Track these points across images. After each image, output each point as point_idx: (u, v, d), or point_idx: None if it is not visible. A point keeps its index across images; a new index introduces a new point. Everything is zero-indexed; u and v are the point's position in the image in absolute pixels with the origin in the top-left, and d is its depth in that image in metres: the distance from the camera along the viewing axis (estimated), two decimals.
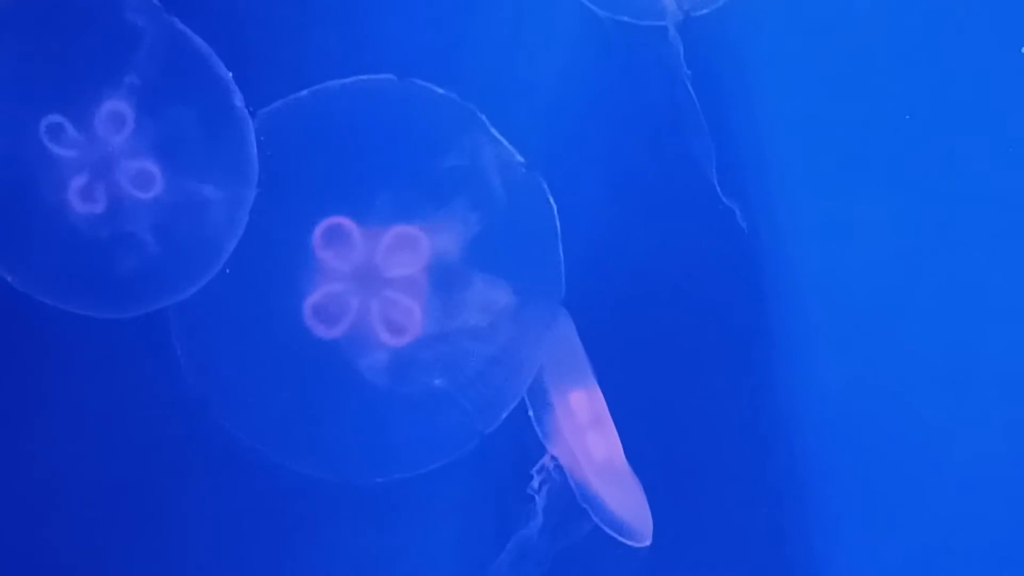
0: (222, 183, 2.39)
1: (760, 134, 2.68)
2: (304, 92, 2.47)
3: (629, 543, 2.54)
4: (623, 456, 2.55)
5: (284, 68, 2.56)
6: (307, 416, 2.49)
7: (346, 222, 2.47)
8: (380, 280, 2.47)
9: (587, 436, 2.53)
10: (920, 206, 2.71)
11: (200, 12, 2.45)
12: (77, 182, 2.40)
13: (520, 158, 2.48)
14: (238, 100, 2.38)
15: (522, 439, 2.53)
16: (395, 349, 2.46)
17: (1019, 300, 2.72)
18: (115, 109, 2.39)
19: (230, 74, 2.40)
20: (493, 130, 2.48)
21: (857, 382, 2.70)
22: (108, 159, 2.40)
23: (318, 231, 2.47)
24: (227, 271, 2.42)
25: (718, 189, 2.63)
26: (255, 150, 2.40)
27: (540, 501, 2.53)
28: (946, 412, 2.70)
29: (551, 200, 2.48)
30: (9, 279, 2.41)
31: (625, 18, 2.62)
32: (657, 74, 2.65)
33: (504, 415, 2.49)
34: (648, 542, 2.55)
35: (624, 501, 2.54)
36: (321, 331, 2.46)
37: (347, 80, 2.49)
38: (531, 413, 2.51)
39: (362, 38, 2.64)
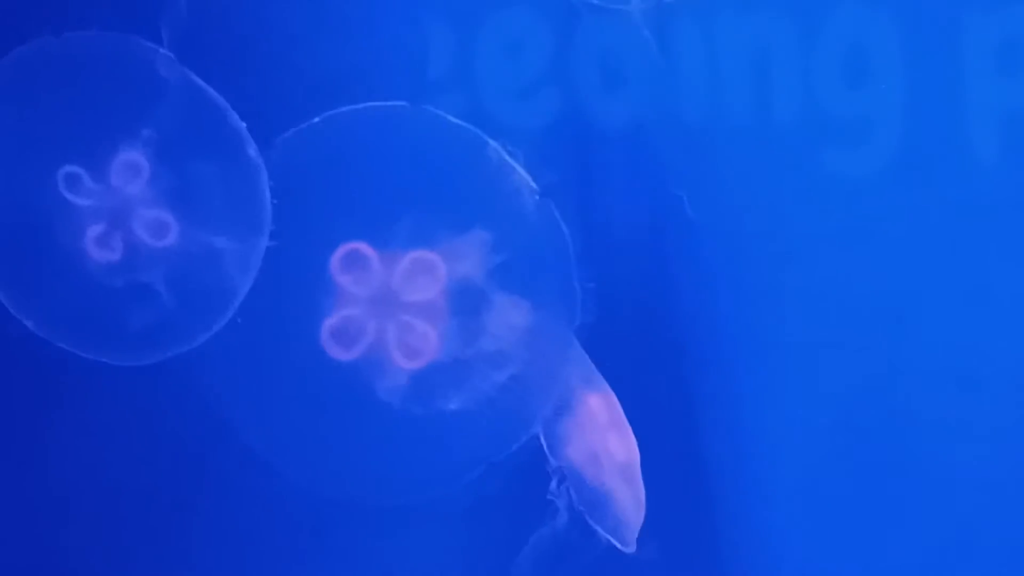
0: (235, 234, 2.43)
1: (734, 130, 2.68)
2: (316, 119, 2.50)
3: (619, 546, 2.56)
4: (638, 459, 2.58)
5: (293, 96, 2.58)
6: (324, 436, 2.53)
7: (364, 247, 2.50)
8: (397, 304, 2.50)
9: (609, 436, 2.57)
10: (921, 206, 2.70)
11: (212, 43, 2.48)
12: (94, 230, 2.44)
13: (533, 184, 2.51)
14: (252, 150, 2.42)
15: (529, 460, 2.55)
16: (411, 372, 2.49)
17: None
18: (130, 160, 2.43)
19: (244, 124, 2.43)
20: (506, 156, 2.51)
21: (862, 389, 2.69)
22: (123, 208, 2.44)
23: (336, 256, 2.50)
24: (239, 320, 2.45)
25: (685, 202, 2.63)
26: (268, 199, 2.43)
27: (562, 500, 2.55)
28: (952, 417, 2.70)
29: (564, 227, 2.51)
30: (28, 324, 2.45)
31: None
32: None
33: (516, 445, 2.52)
34: (633, 549, 2.56)
35: (630, 504, 2.57)
36: (338, 354, 2.49)
37: (359, 106, 2.52)
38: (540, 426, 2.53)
39: (370, 64, 2.65)
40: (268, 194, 2.44)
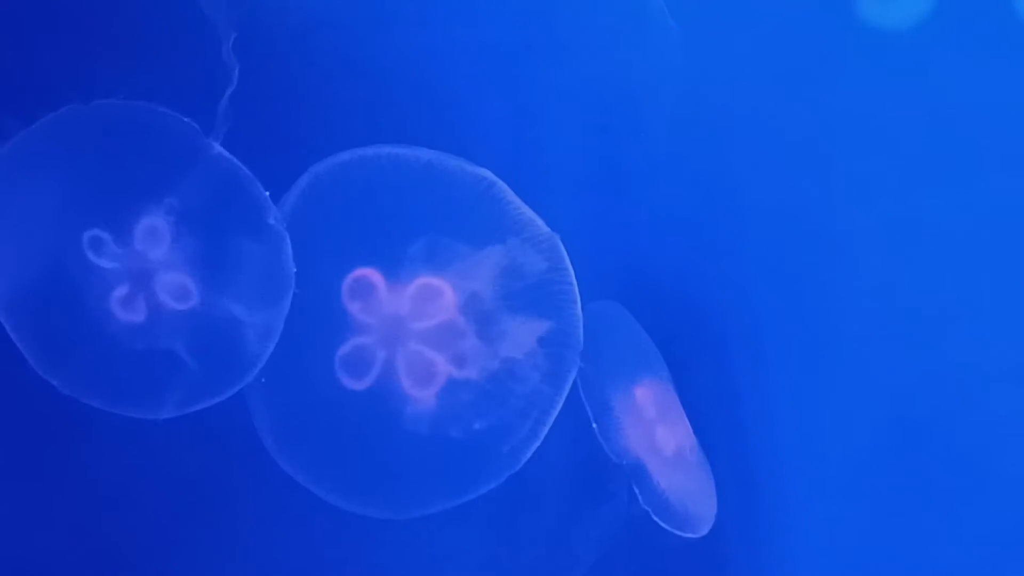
0: (255, 303, 2.49)
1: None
2: (346, 154, 2.55)
3: (686, 535, 2.60)
4: (694, 445, 2.62)
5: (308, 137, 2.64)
6: (350, 460, 2.59)
7: (373, 274, 2.55)
8: (407, 331, 2.55)
9: (656, 430, 2.61)
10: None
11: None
12: (118, 292, 2.49)
13: (540, 221, 2.56)
14: (272, 218, 2.47)
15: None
16: (422, 397, 2.55)
17: None
18: (153, 225, 2.48)
19: (267, 193, 2.48)
20: (512, 195, 2.56)
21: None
22: (146, 273, 2.50)
23: (346, 284, 2.56)
24: (262, 380, 2.51)
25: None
26: (290, 266, 2.48)
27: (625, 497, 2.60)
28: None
29: (568, 262, 2.56)
30: (55, 383, 2.51)
31: None
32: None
33: (525, 458, 2.57)
34: (705, 532, 2.61)
35: (690, 492, 2.61)
36: (350, 383, 2.56)
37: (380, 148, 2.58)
38: (592, 415, 2.58)
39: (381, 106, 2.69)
40: (290, 263, 2.49)
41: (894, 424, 2.74)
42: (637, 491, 2.57)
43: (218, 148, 2.47)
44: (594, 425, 2.57)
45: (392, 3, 2.75)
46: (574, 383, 2.55)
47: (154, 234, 2.49)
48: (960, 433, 2.74)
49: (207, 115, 2.48)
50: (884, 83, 2.74)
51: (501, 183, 2.55)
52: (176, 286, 2.51)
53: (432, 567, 2.73)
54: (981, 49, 2.73)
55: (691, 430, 2.63)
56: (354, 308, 2.56)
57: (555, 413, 2.55)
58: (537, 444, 2.55)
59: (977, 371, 2.74)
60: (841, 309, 2.75)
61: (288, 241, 2.49)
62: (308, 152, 2.58)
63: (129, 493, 2.72)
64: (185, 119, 2.48)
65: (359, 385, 2.56)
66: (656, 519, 2.57)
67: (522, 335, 2.55)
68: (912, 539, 2.74)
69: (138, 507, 2.72)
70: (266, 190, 2.50)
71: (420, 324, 2.56)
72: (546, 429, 2.55)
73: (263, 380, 2.52)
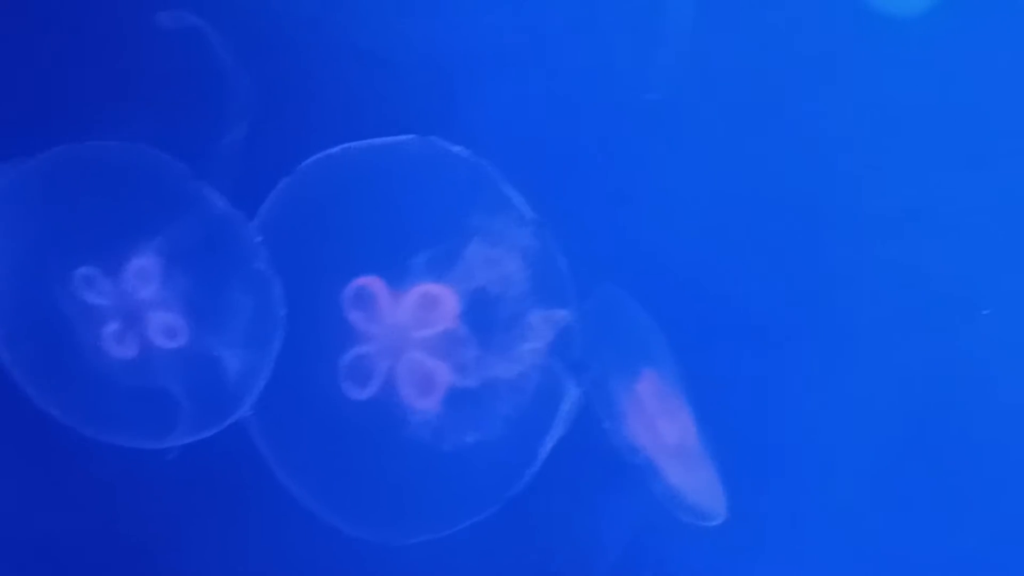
0: (243, 344, 2.51)
1: None
2: (335, 149, 2.57)
3: (701, 523, 2.64)
4: (696, 436, 2.64)
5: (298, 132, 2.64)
6: (347, 476, 2.62)
7: (374, 282, 2.57)
8: (408, 339, 2.57)
9: (658, 422, 2.63)
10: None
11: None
12: (110, 328, 2.53)
13: (532, 214, 2.57)
14: (260, 264, 2.49)
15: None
16: (425, 408, 2.57)
17: None
18: (143, 265, 2.51)
19: (259, 238, 2.49)
20: (506, 187, 2.57)
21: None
22: (137, 310, 2.53)
23: (347, 293, 2.57)
24: (250, 413, 2.54)
25: None
26: (278, 309, 2.51)
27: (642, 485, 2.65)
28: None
29: (562, 257, 2.58)
30: (54, 413, 2.56)
31: None
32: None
33: (528, 477, 2.60)
34: (720, 520, 2.64)
35: (698, 482, 2.63)
36: (354, 392, 2.57)
37: (372, 141, 2.59)
38: (600, 407, 2.60)
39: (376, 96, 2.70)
40: (280, 306, 2.51)
41: (908, 413, 2.74)
42: (649, 483, 2.61)
43: (209, 191, 2.48)
44: (605, 424, 2.59)
45: None
46: (580, 378, 2.57)
47: (144, 273, 2.52)
48: (975, 422, 2.74)
49: (203, 156, 2.49)
50: (894, 71, 2.73)
51: (498, 174, 2.56)
52: (166, 325, 2.53)
53: (450, 568, 2.76)
54: (990, 37, 2.71)
55: (693, 420, 2.64)
56: (356, 317, 2.56)
57: (567, 410, 2.58)
58: (551, 443, 2.58)
59: (993, 360, 2.73)
60: (855, 298, 2.74)
61: (278, 286, 2.50)
62: (302, 146, 2.59)
63: (132, 517, 2.76)
64: (178, 162, 2.49)
65: (362, 395, 2.56)
66: (670, 510, 2.62)
67: (527, 329, 2.56)
68: (925, 528, 2.74)
69: (140, 531, 2.77)
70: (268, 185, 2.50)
71: (422, 332, 2.56)
72: (559, 429, 2.58)
73: (251, 413, 2.54)
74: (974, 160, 2.72)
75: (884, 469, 2.73)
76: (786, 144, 2.74)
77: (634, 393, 2.62)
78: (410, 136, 2.59)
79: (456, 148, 2.58)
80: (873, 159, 2.73)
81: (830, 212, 2.73)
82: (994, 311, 2.71)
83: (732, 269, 2.74)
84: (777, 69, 2.73)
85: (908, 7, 2.72)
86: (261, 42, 2.67)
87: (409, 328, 2.57)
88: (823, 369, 2.73)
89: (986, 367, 2.73)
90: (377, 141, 2.58)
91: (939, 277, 2.73)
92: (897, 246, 2.73)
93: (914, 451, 2.73)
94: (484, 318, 2.58)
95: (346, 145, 2.57)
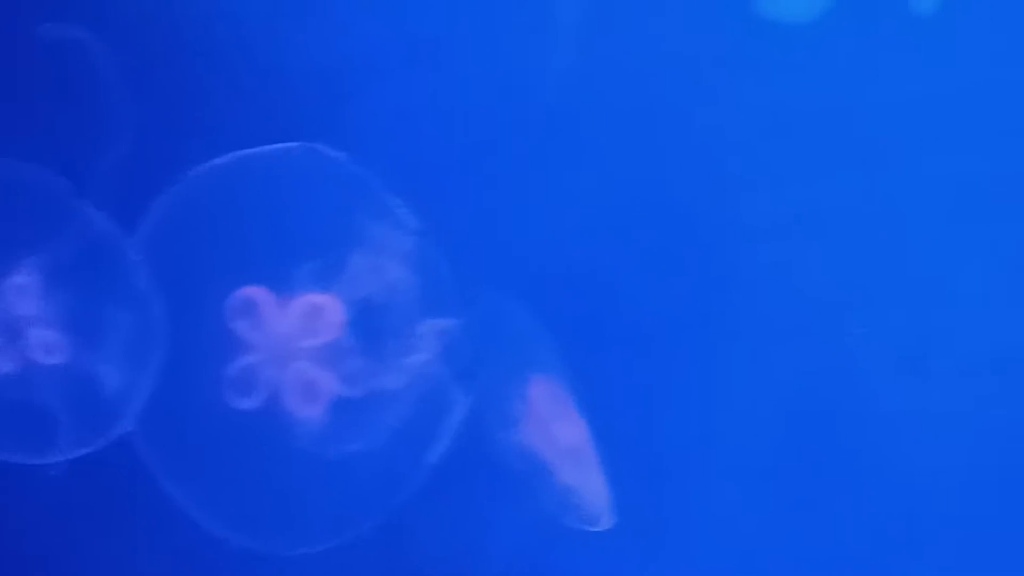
0: (123, 359, 2.51)
1: None
2: (221, 158, 2.57)
3: (589, 528, 2.65)
4: (588, 441, 2.66)
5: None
6: (233, 486, 2.61)
7: (259, 292, 2.58)
8: (294, 349, 2.57)
9: (553, 425, 2.65)
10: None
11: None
12: None
13: (417, 222, 2.59)
14: (141, 280, 2.48)
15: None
16: (310, 418, 2.57)
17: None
18: (23, 282, 2.50)
19: (140, 257, 2.49)
20: (390, 195, 2.59)
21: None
22: (16, 326, 2.53)
23: (232, 302, 2.58)
24: (132, 426, 2.54)
25: None
26: (160, 325, 2.50)
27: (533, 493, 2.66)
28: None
29: (447, 265, 2.59)
30: None
31: None
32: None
33: (414, 487, 2.61)
34: (608, 524, 2.65)
35: (589, 485, 2.64)
36: (239, 402, 2.57)
37: (256, 149, 2.60)
38: (491, 414, 2.62)
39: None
40: (162, 322, 2.51)
41: (790, 417, 2.76)
42: (537, 490, 2.62)
43: (91, 208, 2.47)
44: (497, 432, 2.61)
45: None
46: (470, 385, 2.59)
47: (23, 290, 2.51)
48: (854, 426, 2.77)
49: (85, 171, 2.48)
50: (782, 77, 2.77)
51: (381, 182, 2.57)
52: (45, 341, 2.53)
53: None
54: (877, 44, 2.76)
55: (585, 425, 2.66)
56: (241, 327, 2.57)
57: (455, 419, 2.59)
58: (439, 452, 2.59)
59: (871, 365, 2.77)
60: (739, 302, 2.77)
61: (160, 305, 2.50)
62: (187, 156, 2.59)
63: (15, 533, 2.73)
64: (59, 178, 2.48)
65: (248, 405, 2.57)
66: (558, 516, 2.63)
67: (413, 339, 2.57)
68: (807, 530, 2.77)
69: (24, 546, 2.73)
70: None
71: (307, 342, 2.57)
72: (446, 438, 2.59)
73: (134, 429, 2.54)
74: (854, 167, 2.76)
75: (767, 472, 2.76)
76: (670, 149, 2.76)
77: (527, 398, 2.63)
78: (294, 144, 2.58)
79: (339, 155, 2.58)
80: (757, 165, 2.76)
81: (714, 217, 2.77)
82: (870, 320, 2.75)
83: (617, 273, 2.76)
84: (662, 74, 2.76)
85: (796, 14, 2.74)
86: (145, 53, 2.66)
87: (294, 338, 2.57)
88: (707, 372, 2.77)
89: (864, 372, 2.77)
90: (261, 149, 2.58)
91: (820, 283, 2.78)
92: (780, 251, 2.77)
93: (795, 454, 2.77)
94: (370, 327, 2.58)
95: (231, 154, 2.57)
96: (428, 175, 2.72)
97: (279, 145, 2.59)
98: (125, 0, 2.71)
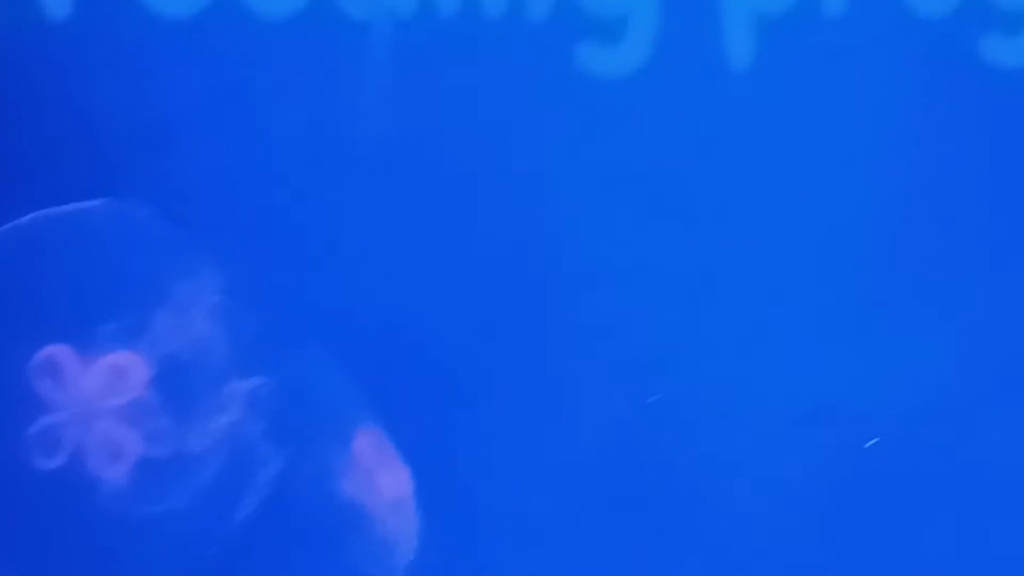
0: None
1: None
2: (25, 218, 2.55)
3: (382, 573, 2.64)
4: (410, 494, 2.66)
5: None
6: (36, 547, 2.56)
7: (62, 351, 2.54)
8: (98, 409, 2.54)
9: (377, 474, 2.63)
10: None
11: None
12: None
13: (225, 279, 2.57)
14: None
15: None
16: (114, 478, 2.54)
17: None
18: None
19: None
20: (199, 252, 2.57)
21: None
22: None
23: (35, 362, 2.54)
24: None
25: None
26: None
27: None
28: None
29: (258, 322, 2.57)
30: None
31: None
32: None
33: (222, 546, 2.57)
34: None
35: (410, 537, 2.65)
36: (41, 463, 2.53)
37: (61, 208, 2.58)
38: (311, 469, 2.60)
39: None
40: None
41: (610, 468, 2.79)
42: (354, 542, 2.60)
43: None
44: (318, 486, 2.59)
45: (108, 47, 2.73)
46: (291, 438, 2.56)
47: None
48: (679, 472, 2.80)
49: None
50: (600, 130, 2.79)
51: (190, 238, 2.56)
52: None
53: None
54: (694, 98, 2.78)
55: (409, 476, 2.65)
56: (44, 386, 2.55)
57: (266, 476, 2.56)
58: (248, 510, 2.56)
59: (695, 410, 2.79)
60: (557, 351, 2.79)
61: None
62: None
63: None
64: None
65: (49, 465, 2.54)
66: (370, 569, 2.61)
67: (221, 398, 2.56)
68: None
69: None
70: None
71: (111, 401, 2.55)
72: (256, 496, 2.56)
73: None
74: (671, 220, 2.78)
75: (585, 522, 2.78)
76: (488, 203, 2.78)
77: (350, 451, 2.62)
78: (101, 200, 2.57)
79: (145, 211, 2.57)
80: (575, 218, 2.78)
81: (532, 270, 2.79)
82: (694, 362, 2.75)
83: (437, 325, 2.76)
84: (479, 127, 2.78)
85: (614, 69, 2.77)
86: None
87: (98, 397, 2.55)
88: (529, 423, 2.79)
89: (688, 420, 2.79)
90: (67, 207, 2.56)
91: (639, 333, 2.78)
92: (599, 302, 2.79)
93: (619, 505, 2.79)
94: (176, 386, 2.56)
95: (36, 213, 2.55)
96: (234, 231, 2.72)
97: (83, 203, 2.57)
98: None
